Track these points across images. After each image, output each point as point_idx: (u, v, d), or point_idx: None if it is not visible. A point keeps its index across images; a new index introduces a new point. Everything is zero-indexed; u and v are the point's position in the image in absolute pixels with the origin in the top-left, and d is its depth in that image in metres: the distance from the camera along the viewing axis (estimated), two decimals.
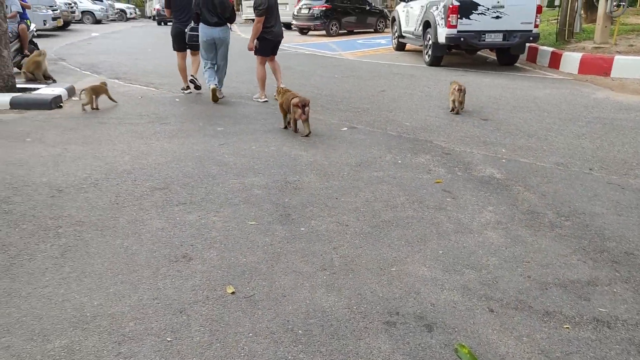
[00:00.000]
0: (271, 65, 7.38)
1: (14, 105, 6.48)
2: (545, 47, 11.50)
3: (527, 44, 11.33)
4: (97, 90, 6.62)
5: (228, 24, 7.15)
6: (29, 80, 7.84)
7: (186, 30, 7.33)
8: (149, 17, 35.94)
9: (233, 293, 2.59)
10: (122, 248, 3.02)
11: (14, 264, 2.81)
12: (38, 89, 7.18)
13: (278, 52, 7.42)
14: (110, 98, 6.80)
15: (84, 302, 2.48)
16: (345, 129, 5.91)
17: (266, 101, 7.15)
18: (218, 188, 3.97)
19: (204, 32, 6.94)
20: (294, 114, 5.45)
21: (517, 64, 11.51)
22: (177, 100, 7.41)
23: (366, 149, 5.08)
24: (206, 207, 3.61)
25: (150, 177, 4.18)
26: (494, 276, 2.81)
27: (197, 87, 7.80)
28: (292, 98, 5.45)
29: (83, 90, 6.51)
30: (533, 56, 11.78)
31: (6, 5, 8.22)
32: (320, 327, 2.35)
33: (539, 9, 10.42)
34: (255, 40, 7.03)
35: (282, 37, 7.30)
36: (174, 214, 3.49)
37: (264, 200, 3.76)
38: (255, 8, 6.81)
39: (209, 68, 7.18)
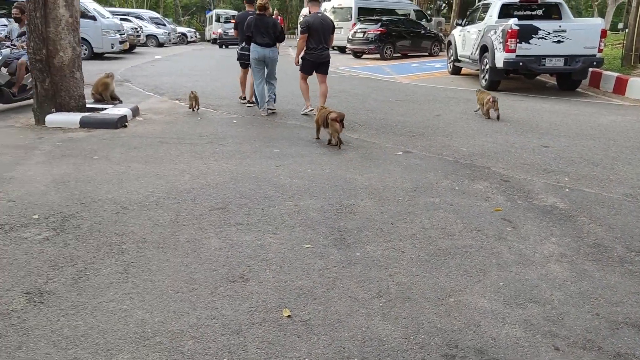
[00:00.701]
0: (320, 88, 7.84)
1: (83, 124, 6.84)
2: (609, 72, 11.09)
3: (590, 69, 10.96)
4: (196, 96, 8.27)
5: (277, 44, 7.91)
6: (97, 101, 8.27)
7: (237, 50, 8.52)
8: (208, 41, 37.33)
9: (289, 316, 2.59)
10: (182, 266, 3.09)
11: (81, 278, 2.93)
12: (105, 109, 7.55)
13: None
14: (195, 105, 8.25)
15: (145, 318, 2.55)
16: (400, 153, 5.87)
17: (312, 110, 7.50)
18: (274, 210, 4.02)
19: (256, 50, 7.72)
20: (332, 126, 5.92)
21: (578, 89, 11.15)
22: (234, 121, 7.60)
23: (422, 174, 5.02)
24: (262, 229, 3.66)
25: (209, 196, 4.28)
26: (559, 312, 2.68)
27: (252, 103, 8.84)
28: (328, 114, 5.96)
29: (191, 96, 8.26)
30: (596, 81, 11.37)
31: (6, 36, 8.42)
32: (377, 356, 2.30)
33: (604, 33, 10.07)
34: (300, 59, 7.77)
35: (324, 60, 7.75)
36: (231, 234, 3.55)
37: (319, 224, 3.76)
38: (300, 26, 7.79)
39: (259, 85, 7.98)
